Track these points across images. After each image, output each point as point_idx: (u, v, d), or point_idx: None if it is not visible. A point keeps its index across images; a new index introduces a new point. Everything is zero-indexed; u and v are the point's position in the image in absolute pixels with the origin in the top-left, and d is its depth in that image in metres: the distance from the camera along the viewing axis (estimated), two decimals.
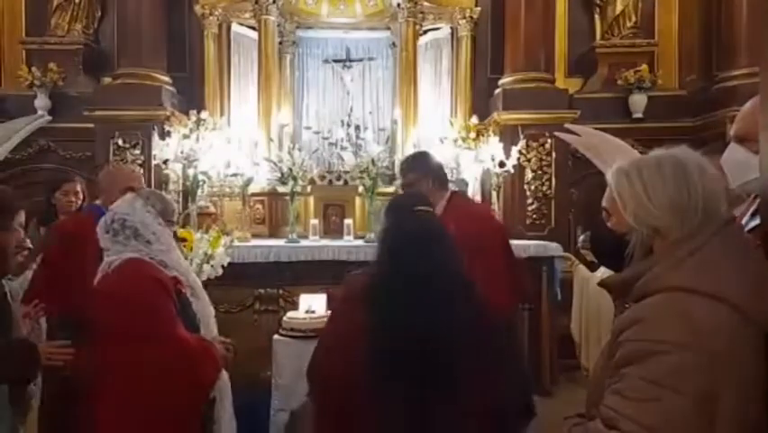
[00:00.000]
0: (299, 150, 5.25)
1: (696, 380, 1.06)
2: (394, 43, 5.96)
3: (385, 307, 1.53)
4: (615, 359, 1.15)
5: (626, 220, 1.26)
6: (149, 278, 1.73)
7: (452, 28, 5.85)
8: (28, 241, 2.77)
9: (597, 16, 5.96)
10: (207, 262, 3.46)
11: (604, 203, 1.40)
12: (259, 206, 5.36)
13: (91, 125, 5.07)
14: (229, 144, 5.13)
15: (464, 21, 5.75)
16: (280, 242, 4.78)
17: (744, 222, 1.53)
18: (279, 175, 5.07)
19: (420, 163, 2.70)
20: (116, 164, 2.57)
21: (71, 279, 2.30)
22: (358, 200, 5.28)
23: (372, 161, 5.03)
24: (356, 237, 4.99)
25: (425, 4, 5.69)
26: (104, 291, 1.73)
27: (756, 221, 1.51)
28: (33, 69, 5.49)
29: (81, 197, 3.57)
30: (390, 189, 5.40)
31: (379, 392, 1.44)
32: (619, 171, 1.28)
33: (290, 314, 3.50)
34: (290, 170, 4.94)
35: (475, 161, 5.04)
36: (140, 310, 1.68)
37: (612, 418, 1.10)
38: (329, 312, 2.04)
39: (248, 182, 5.06)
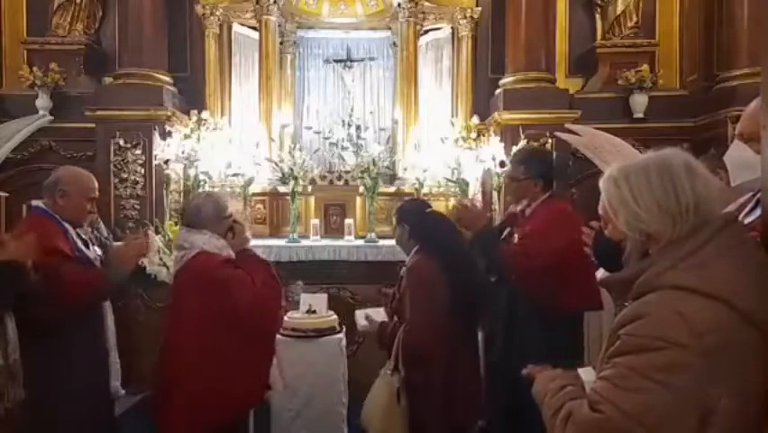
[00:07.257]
0: (300, 150, 5.27)
1: (687, 378, 1.06)
2: (395, 43, 5.96)
3: (451, 269, 2.37)
4: (610, 350, 1.17)
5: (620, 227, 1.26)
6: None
7: (452, 28, 5.84)
8: None
9: (598, 16, 5.94)
10: None
11: (600, 210, 1.39)
12: (260, 206, 5.37)
13: (92, 125, 5.06)
14: (230, 144, 5.15)
15: (465, 21, 5.74)
16: (281, 242, 4.80)
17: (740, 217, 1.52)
18: (280, 175, 5.08)
19: (535, 164, 2.73)
20: (80, 169, 2.44)
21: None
22: (359, 200, 5.29)
23: (373, 161, 5.04)
24: (357, 237, 5.00)
25: (426, 3, 5.69)
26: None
27: (752, 217, 1.51)
28: (35, 69, 5.48)
29: None
30: (391, 189, 5.41)
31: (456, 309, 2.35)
32: (608, 178, 1.28)
33: (291, 314, 3.51)
34: (291, 169, 4.95)
35: (476, 161, 5.04)
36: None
37: (596, 401, 1.13)
38: (414, 290, 2.43)
39: (249, 182, 5.07)
